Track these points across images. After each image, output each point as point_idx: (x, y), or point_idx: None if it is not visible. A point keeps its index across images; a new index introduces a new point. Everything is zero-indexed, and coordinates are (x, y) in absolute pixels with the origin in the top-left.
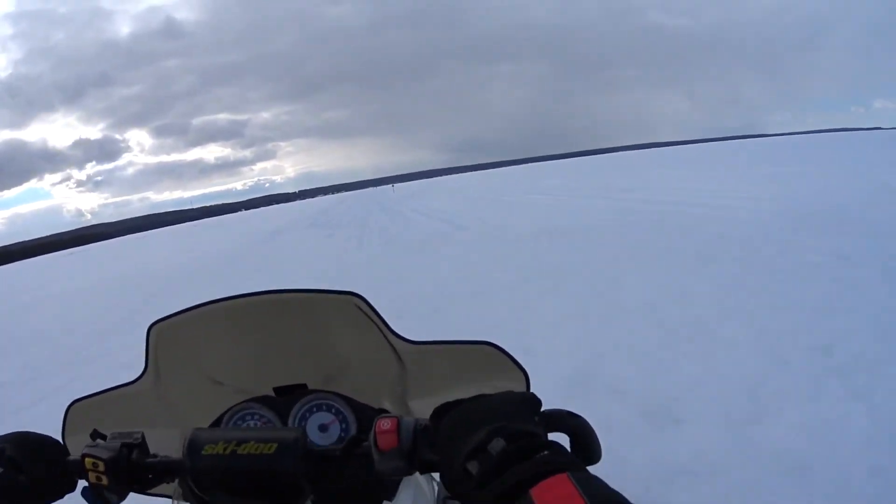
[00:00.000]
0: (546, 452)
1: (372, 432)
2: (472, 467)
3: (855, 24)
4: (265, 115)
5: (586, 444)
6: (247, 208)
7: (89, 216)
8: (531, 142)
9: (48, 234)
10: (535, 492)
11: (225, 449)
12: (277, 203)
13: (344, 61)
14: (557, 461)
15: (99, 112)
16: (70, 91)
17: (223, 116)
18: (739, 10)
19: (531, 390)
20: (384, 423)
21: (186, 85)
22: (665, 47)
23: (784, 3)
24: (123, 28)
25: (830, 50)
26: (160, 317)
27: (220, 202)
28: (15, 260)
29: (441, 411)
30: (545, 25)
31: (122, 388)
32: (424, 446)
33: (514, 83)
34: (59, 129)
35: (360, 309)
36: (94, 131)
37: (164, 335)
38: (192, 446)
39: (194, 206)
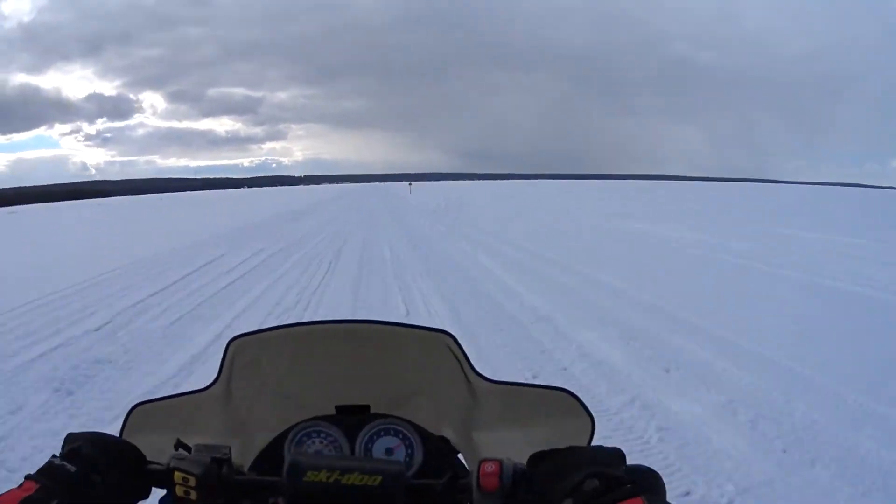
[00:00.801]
0: (629, 486)
1: (475, 474)
2: (567, 503)
3: (880, 82)
4: (281, 96)
5: (654, 492)
6: (250, 186)
7: (94, 171)
8: (542, 158)
9: (51, 183)
10: None
11: (328, 477)
12: (281, 185)
13: (366, 53)
14: (636, 491)
15: (116, 69)
16: (90, 45)
17: (239, 91)
18: (768, 53)
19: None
20: (488, 467)
21: (207, 54)
22: (688, 80)
23: (813, 52)
24: None
25: (852, 104)
26: (241, 332)
27: (225, 175)
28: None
29: (537, 458)
30: (572, 43)
31: (188, 396)
32: (522, 489)
33: (532, 97)
34: (74, 81)
35: (450, 348)
36: (109, 87)
37: (242, 349)
38: (294, 471)
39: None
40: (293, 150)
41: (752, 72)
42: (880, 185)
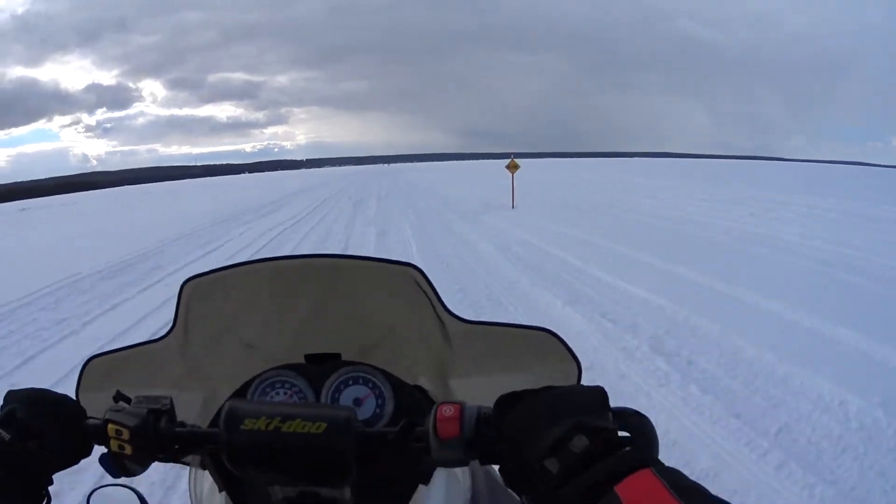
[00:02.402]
0: (628, 448)
1: (432, 418)
2: (552, 465)
3: (881, 60)
4: (282, 79)
5: (648, 443)
6: (250, 171)
7: (95, 162)
8: (545, 137)
9: (53, 175)
10: (620, 488)
11: (268, 425)
12: (283, 169)
13: (366, 34)
14: (640, 457)
15: (114, 58)
16: (87, 33)
17: (239, 76)
18: (771, 31)
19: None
20: (446, 410)
21: (205, 40)
22: (690, 57)
23: (816, 31)
24: None
25: (854, 82)
26: (196, 273)
27: (227, 161)
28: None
29: (506, 401)
30: (573, 19)
31: (145, 346)
32: (488, 437)
33: (533, 75)
34: (72, 71)
35: (416, 281)
36: (108, 77)
37: (198, 292)
38: (231, 419)
39: (199, 164)
40: (295, 134)
41: (755, 50)
42: (883, 163)
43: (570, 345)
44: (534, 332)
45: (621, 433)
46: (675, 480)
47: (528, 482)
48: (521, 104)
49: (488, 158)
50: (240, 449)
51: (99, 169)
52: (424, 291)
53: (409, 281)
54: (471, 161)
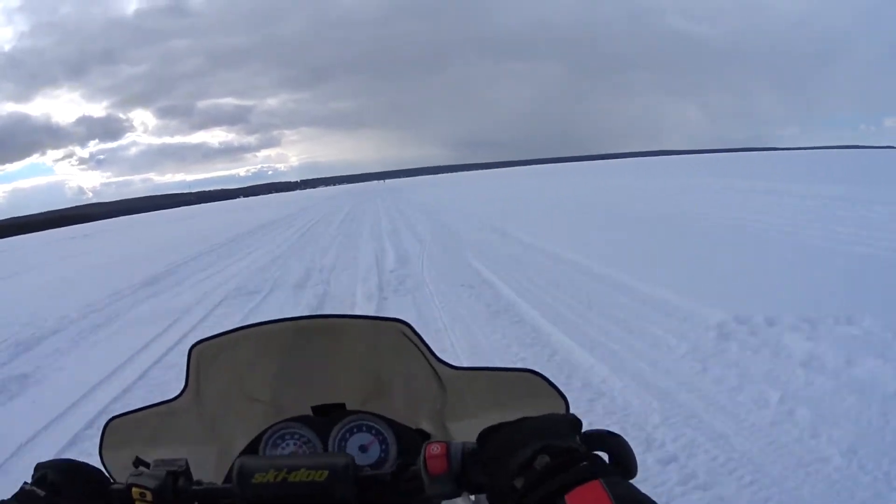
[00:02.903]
0: (584, 464)
1: (421, 457)
2: (518, 483)
3: (870, 43)
4: (271, 102)
5: (624, 461)
6: (245, 195)
7: (90, 194)
8: (539, 143)
9: (48, 209)
10: (569, 497)
11: (276, 477)
12: (277, 192)
13: (354, 51)
14: (592, 470)
15: (103, 90)
16: (74, 67)
17: (229, 101)
18: (759, 21)
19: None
20: (434, 448)
21: (193, 66)
22: (681, 54)
23: (803, 17)
24: (130, 4)
25: (844, 67)
26: (202, 337)
27: (222, 187)
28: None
29: (486, 434)
30: (561, 24)
31: (160, 406)
32: (473, 469)
33: (525, 82)
34: (62, 105)
35: (406, 336)
36: (98, 109)
37: (205, 355)
38: (242, 475)
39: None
40: (288, 156)
41: (744, 42)
42: (877, 144)
43: (557, 380)
44: (520, 373)
45: (599, 453)
46: (621, 492)
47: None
48: (514, 112)
49: (484, 168)
50: (252, 501)
51: (95, 200)
52: (415, 344)
53: (400, 336)
54: (468, 172)
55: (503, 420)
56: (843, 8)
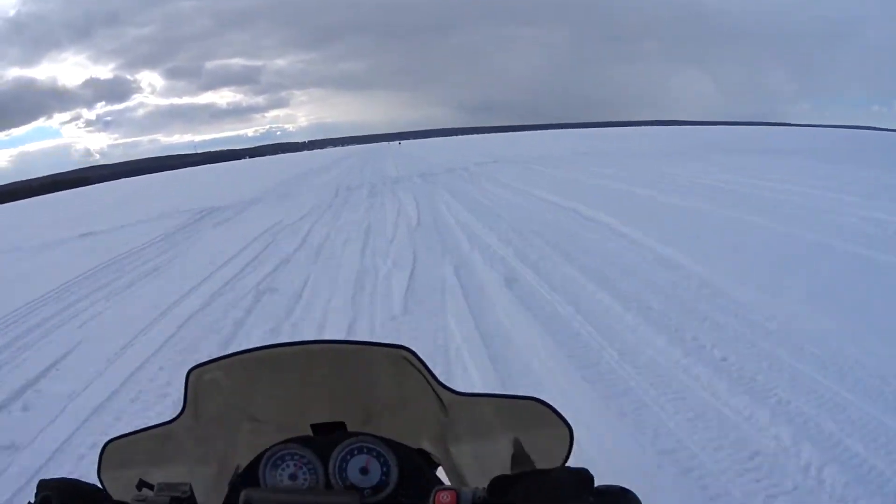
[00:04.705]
0: None
1: (431, 502)
2: None
3: (887, 24)
4: (280, 63)
5: None
6: (252, 156)
7: (97, 156)
8: (548, 108)
9: (56, 172)
10: None
11: None
12: (284, 152)
13: (364, 12)
14: None
15: (110, 52)
16: (80, 30)
17: (237, 61)
18: None
19: (574, 444)
20: (443, 497)
21: (200, 27)
22: (693, 23)
23: None
24: None
25: (858, 46)
26: (200, 362)
27: (230, 147)
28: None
29: (498, 484)
30: None
31: (158, 428)
32: None
33: (534, 47)
34: (68, 68)
35: (410, 362)
36: (105, 71)
37: (203, 380)
38: None
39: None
40: (297, 117)
41: (759, 15)
42: (887, 127)
43: (559, 405)
44: (525, 401)
45: None
46: None
47: None
48: (524, 77)
49: (492, 132)
50: None
51: (102, 162)
52: (418, 370)
53: (403, 362)
54: (478, 135)
55: (505, 451)
56: None
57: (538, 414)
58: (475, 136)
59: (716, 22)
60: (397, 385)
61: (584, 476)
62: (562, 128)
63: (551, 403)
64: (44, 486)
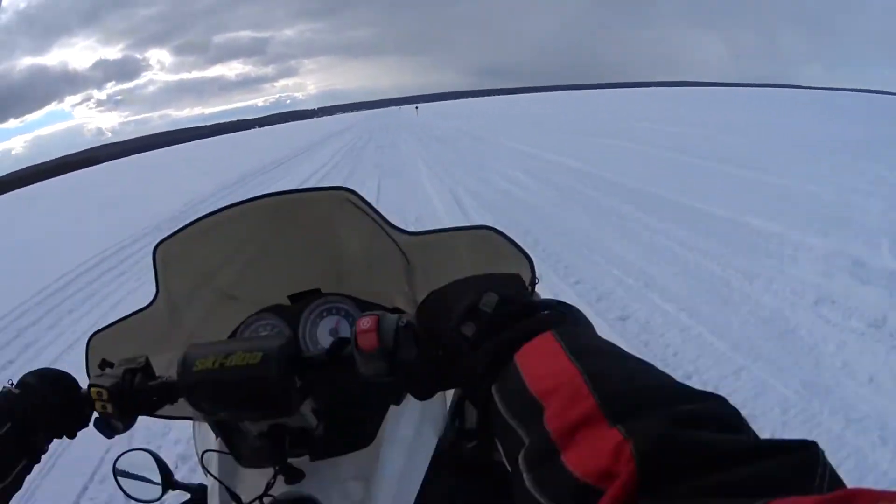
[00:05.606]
0: (546, 312)
1: (353, 333)
2: (468, 329)
3: None
4: (288, 33)
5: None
6: (261, 125)
7: (109, 134)
8: (561, 70)
9: (70, 153)
10: (520, 354)
11: (214, 363)
12: (294, 120)
13: None
14: (547, 320)
15: (118, 33)
16: (88, 14)
17: (245, 34)
18: None
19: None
20: (364, 322)
21: (208, 2)
22: None
23: None
24: None
25: (872, 9)
26: (163, 237)
27: (241, 118)
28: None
29: (426, 301)
30: None
31: (136, 315)
32: (408, 345)
33: (547, 10)
34: (78, 52)
35: (354, 203)
36: (114, 52)
37: (170, 254)
38: (185, 363)
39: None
40: (306, 85)
41: None
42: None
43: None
44: (476, 231)
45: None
46: (575, 341)
47: (449, 362)
48: (534, 39)
49: (503, 94)
50: (193, 389)
51: (114, 140)
52: (365, 212)
53: (349, 205)
54: (489, 98)
55: None
56: None
57: (493, 244)
58: (480, 98)
59: None
60: (353, 235)
61: (516, 277)
62: (571, 89)
63: (503, 231)
64: (28, 374)
